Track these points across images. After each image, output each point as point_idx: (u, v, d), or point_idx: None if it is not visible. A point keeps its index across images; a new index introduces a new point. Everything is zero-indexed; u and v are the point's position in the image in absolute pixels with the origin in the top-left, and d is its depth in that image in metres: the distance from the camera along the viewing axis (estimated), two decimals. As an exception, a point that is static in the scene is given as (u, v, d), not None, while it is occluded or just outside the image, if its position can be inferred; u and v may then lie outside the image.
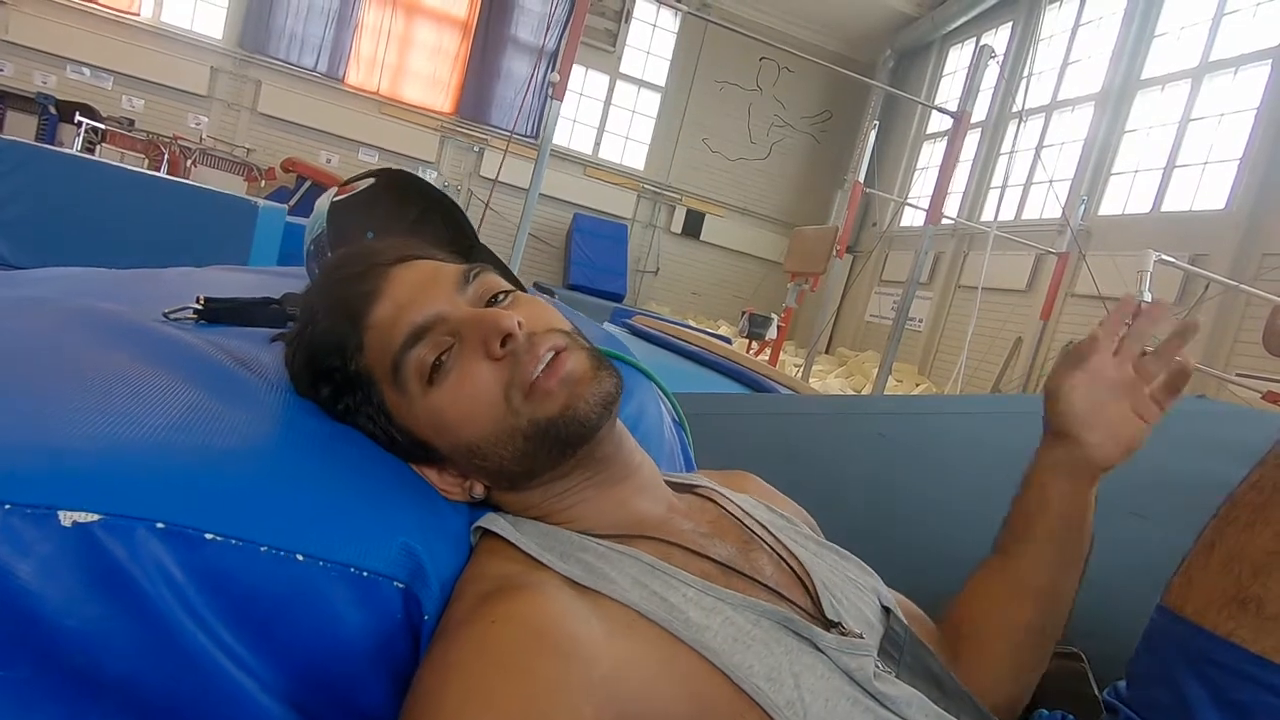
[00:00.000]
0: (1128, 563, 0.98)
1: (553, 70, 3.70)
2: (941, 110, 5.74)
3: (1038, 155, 6.87)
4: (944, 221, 5.79)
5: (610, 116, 9.87)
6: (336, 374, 0.51)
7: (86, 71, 8.18)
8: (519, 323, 0.49)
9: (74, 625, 0.35)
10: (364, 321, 0.50)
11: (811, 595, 0.53)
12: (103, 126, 7.16)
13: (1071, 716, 0.60)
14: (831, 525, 0.73)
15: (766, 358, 5.88)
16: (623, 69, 9.80)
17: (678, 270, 10.17)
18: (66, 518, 0.35)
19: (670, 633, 0.44)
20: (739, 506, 0.60)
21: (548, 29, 8.93)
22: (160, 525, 0.37)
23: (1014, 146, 7.61)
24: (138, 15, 8.26)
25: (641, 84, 9.90)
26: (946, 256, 8.12)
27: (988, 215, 7.58)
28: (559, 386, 0.49)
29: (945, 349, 7.86)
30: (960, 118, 4.56)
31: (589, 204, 9.61)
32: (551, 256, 9.51)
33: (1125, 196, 6.38)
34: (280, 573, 0.39)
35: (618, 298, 8.67)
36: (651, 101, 9.95)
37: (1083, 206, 6.38)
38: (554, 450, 0.50)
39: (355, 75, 8.85)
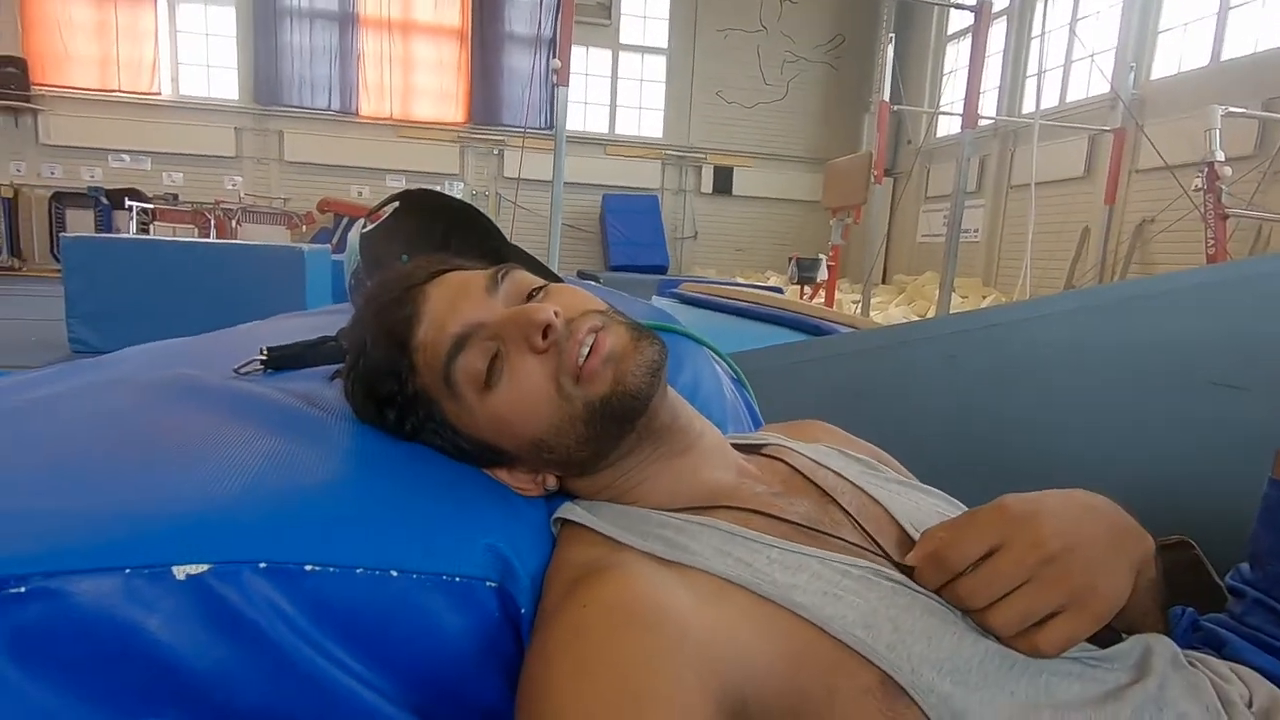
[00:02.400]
0: (1224, 440, 0.92)
1: (554, 57, 3.68)
2: (960, 6, 5.43)
3: (1073, 31, 6.42)
4: (982, 123, 5.51)
5: (620, 90, 9.76)
6: (396, 398, 0.53)
7: (126, 158, 8.62)
8: (555, 312, 0.49)
9: (206, 667, 0.38)
10: (410, 344, 0.52)
11: (902, 538, 0.52)
12: (151, 206, 7.56)
13: (1192, 609, 0.58)
14: (909, 461, 0.72)
15: (821, 301, 5.76)
16: (623, 39, 9.65)
17: (716, 230, 10.04)
18: (180, 572, 0.38)
19: (759, 595, 0.44)
20: (810, 460, 0.59)
21: (541, 17, 8.86)
22: (263, 565, 0.39)
23: (1044, 28, 7.13)
24: (159, 94, 8.63)
25: (644, 50, 9.73)
26: (992, 159, 7.74)
27: (1028, 107, 7.16)
28: (603, 365, 0.49)
29: (1007, 255, 7.52)
30: (981, 10, 4.31)
31: (615, 182, 9.56)
32: (588, 242, 9.53)
33: (1178, 53, 5.90)
34: (379, 591, 0.41)
35: (661, 269, 8.64)
36: (658, 66, 9.77)
37: (1132, 75, 5.94)
38: (613, 427, 0.50)
39: (367, 105, 9.02)
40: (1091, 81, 6.59)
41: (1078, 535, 0.45)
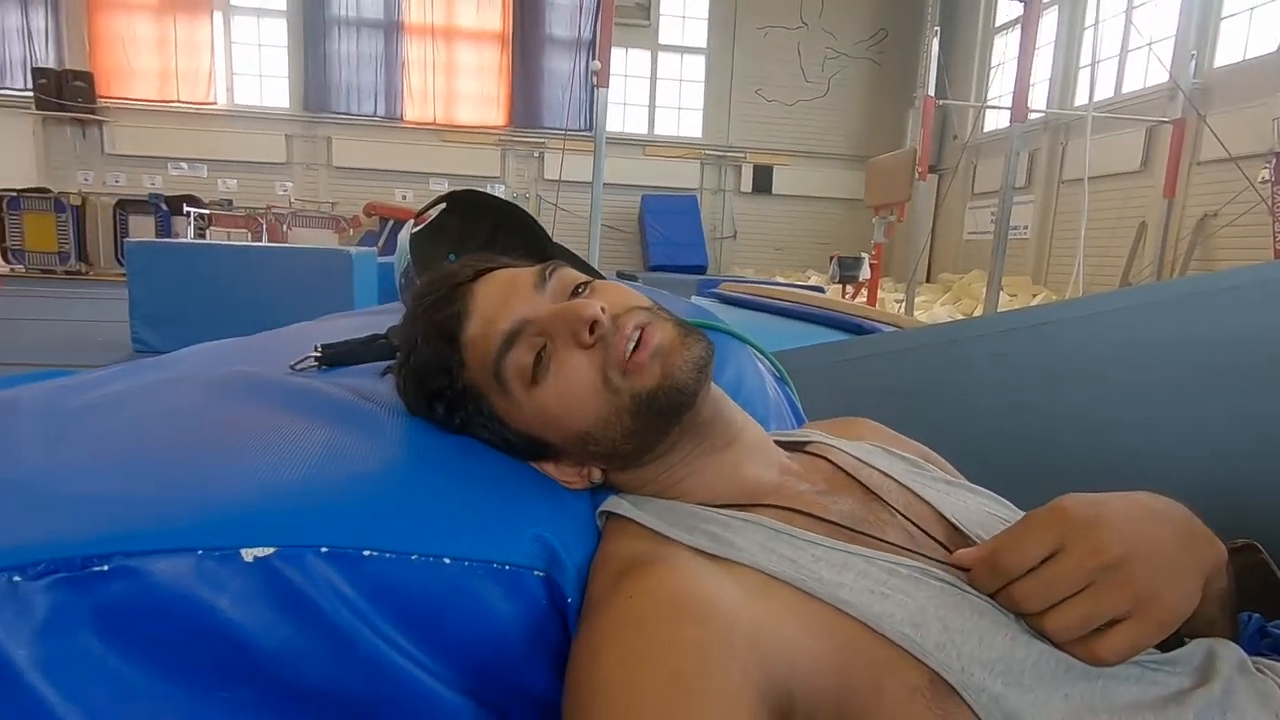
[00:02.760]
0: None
1: (593, 59, 3.70)
2: (1008, -3, 5.29)
3: (1129, 19, 6.20)
4: (1032, 116, 5.35)
5: (659, 90, 9.77)
6: (446, 392, 0.55)
7: (184, 166, 8.98)
8: (601, 308, 0.50)
9: (273, 646, 0.40)
10: (459, 340, 0.54)
11: (950, 536, 0.51)
12: (207, 212, 7.86)
13: (1259, 615, 0.56)
14: (957, 460, 0.71)
15: (863, 300, 5.68)
16: (661, 40, 9.66)
17: (755, 229, 9.98)
18: (248, 554, 0.40)
19: (805, 591, 0.44)
20: (855, 458, 0.59)
21: (580, 19, 8.93)
22: (324, 550, 0.41)
23: (1099, 16, 6.90)
24: (215, 104, 8.97)
25: (683, 50, 9.73)
26: (1042, 153, 7.51)
27: (1081, 99, 6.92)
28: (651, 360, 0.50)
29: (1059, 251, 7.29)
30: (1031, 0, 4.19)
31: (654, 183, 9.58)
32: (627, 243, 9.57)
33: (1244, 40, 5.65)
34: (433, 577, 0.43)
35: (700, 269, 8.62)
36: (697, 66, 9.76)
37: (1193, 63, 5.70)
38: (659, 421, 0.51)
39: (412, 111, 9.22)
40: (1149, 71, 6.34)
41: (1141, 541, 0.43)
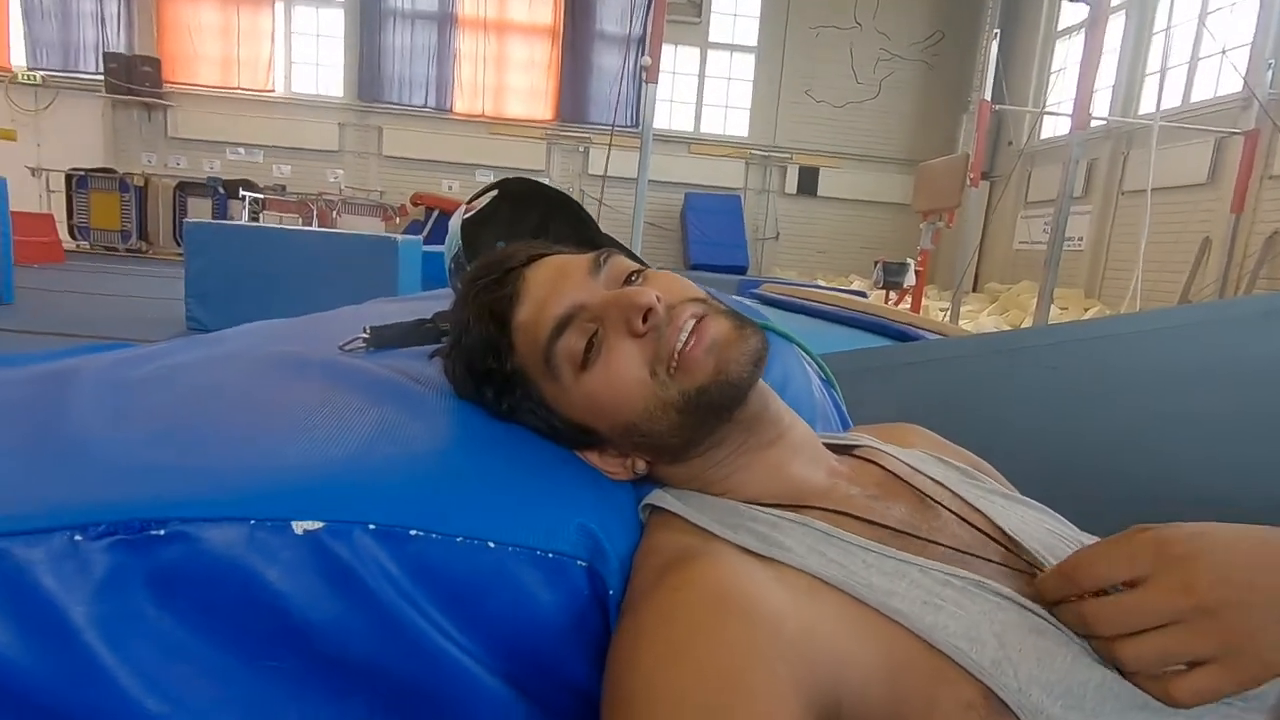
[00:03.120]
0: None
1: (643, 55, 3.70)
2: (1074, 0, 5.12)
3: (1203, 24, 5.94)
4: (1094, 124, 5.17)
5: (707, 88, 9.72)
6: (495, 375, 0.54)
7: (242, 151, 9.25)
8: (657, 297, 0.49)
9: (319, 618, 0.40)
10: (510, 324, 0.53)
11: (1007, 549, 0.49)
12: (261, 196, 8.09)
13: None
14: (1005, 472, 0.68)
15: (907, 306, 5.56)
16: (712, 37, 9.60)
17: (798, 231, 9.86)
18: (299, 527, 0.40)
19: (854, 597, 0.43)
20: (906, 465, 0.57)
21: (632, 16, 8.93)
22: (372, 526, 0.41)
23: (1170, 21, 6.63)
24: (273, 91, 9.21)
25: (733, 48, 9.66)
26: (1102, 162, 7.26)
27: (1146, 107, 6.67)
28: (706, 354, 0.49)
29: (1115, 265, 7.04)
30: (1098, 3, 4.04)
31: (698, 181, 9.54)
32: (669, 240, 9.55)
33: (1325, 49, 5.37)
34: (477, 560, 0.43)
35: (740, 270, 8.56)
36: (746, 64, 9.68)
37: (1270, 72, 5.44)
38: (708, 417, 0.50)
39: (461, 103, 9.34)
40: (1221, 80, 6.08)
41: (1243, 588, 0.38)
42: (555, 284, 0.53)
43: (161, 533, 0.39)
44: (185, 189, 8.70)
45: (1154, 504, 1.04)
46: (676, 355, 0.49)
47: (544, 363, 0.52)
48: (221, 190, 8.44)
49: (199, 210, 8.35)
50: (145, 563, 0.39)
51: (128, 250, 8.53)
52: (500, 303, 0.54)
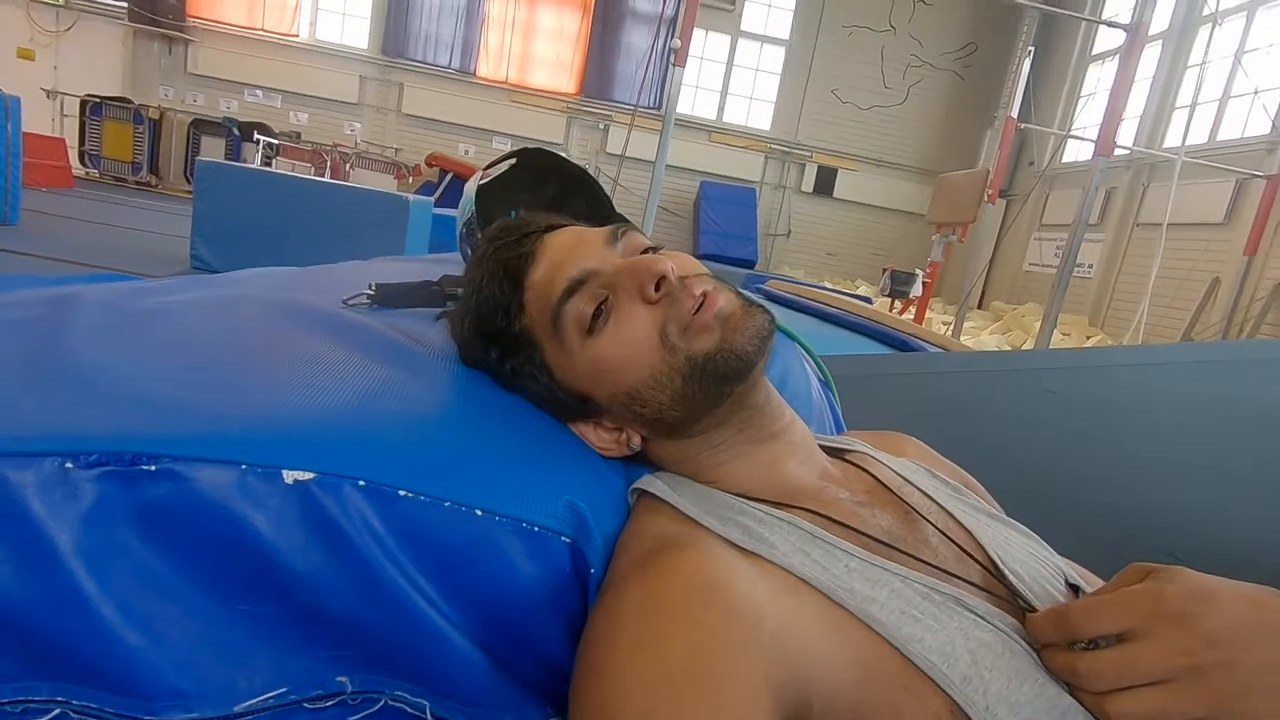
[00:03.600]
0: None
1: (673, 37, 3.66)
2: (1112, 24, 5.07)
3: (1237, 62, 5.89)
4: (1118, 153, 5.14)
5: (733, 78, 9.64)
6: (502, 336, 0.55)
7: (260, 94, 9.17)
8: (671, 267, 0.50)
9: (300, 569, 0.40)
10: (524, 283, 0.54)
11: (988, 569, 0.50)
12: (276, 142, 8.03)
13: None
14: (994, 492, 0.68)
15: (911, 317, 5.56)
16: (744, 26, 9.50)
17: (811, 231, 9.83)
18: (289, 476, 0.40)
19: (834, 600, 0.43)
20: (897, 474, 0.57)
21: (665, -5, 8.83)
22: (362, 483, 0.41)
23: (1205, 57, 6.57)
24: (297, 36, 9.11)
25: (764, 40, 9.56)
26: (1120, 192, 7.23)
27: (1173, 140, 6.63)
28: (715, 322, 0.50)
29: (1121, 296, 7.04)
30: (1136, 30, 4.00)
31: (715, 170, 9.48)
32: (680, 227, 9.51)
33: (1357, 101, 5.33)
34: (463, 526, 0.43)
35: (749, 264, 8.54)
36: (775, 57, 9.59)
37: (1299, 118, 5.41)
38: (712, 388, 0.50)
39: (485, 68, 9.25)
40: (1250, 121, 6.03)
41: (1243, 652, 0.38)
42: (572, 249, 0.54)
43: (153, 468, 0.39)
44: (200, 127, 8.62)
45: (1139, 538, 1.05)
46: (688, 322, 0.49)
47: (551, 323, 0.52)
48: (236, 132, 8.37)
49: (212, 150, 8.28)
50: (133, 496, 0.39)
51: (137, 183, 8.48)
52: (516, 261, 0.54)
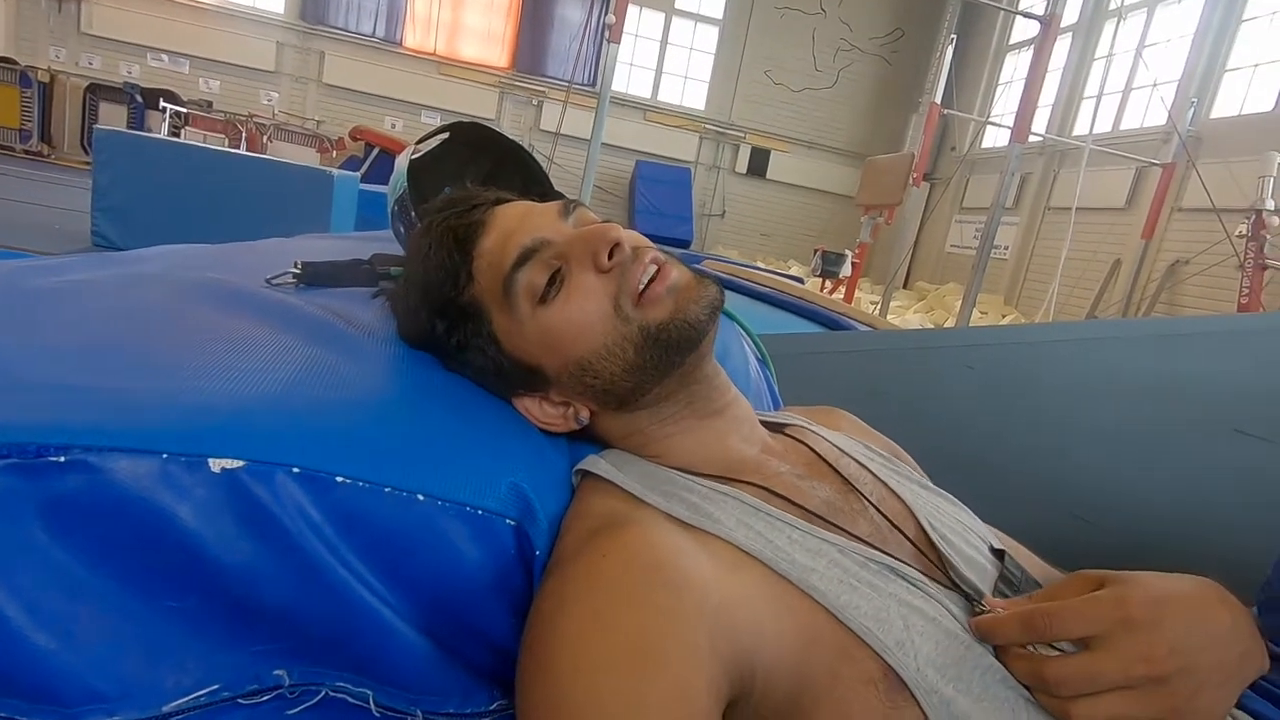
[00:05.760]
0: (1242, 488, 0.92)
1: (607, 12, 3.61)
2: (1028, 15, 5.29)
3: (1139, 56, 6.26)
4: (1031, 139, 5.40)
5: (668, 56, 9.59)
6: (450, 306, 0.53)
7: (165, 58, 8.55)
8: (625, 236, 0.51)
9: (231, 561, 0.39)
10: (473, 251, 0.53)
11: (919, 537, 0.52)
12: (185, 110, 7.52)
13: None
14: (920, 461, 0.72)
15: (841, 296, 5.72)
16: (679, 4, 9.45)
17: (745, 212, 9.94)
18: (216, 464, 0.38)
19: (775, 571, 0.44)
20: (834, 447, 0.59)
21: (599, -31, 8.68)
22: (296, 470, 0.40)
23: (1111, 50, 6.95)
24: (205, -3, 8.52)
25: (698, 18, 9.54)
26: (1034, 177, 7.60)
27: (1081, 129, 7.01)
28: (667, 293, 0.50)
29: (1034, 277, 7.43)
30: (1049, 22, 4.20)
31: (650, 149, 9.45)
32: (616, 206, 9.45)
33: (1242, 96, 5.76)
34: (404, 512, 0.42)
35: (684, 244, 8.58)
36: (709, 36, 9.59)
37: (1192, 110, 5.80)
38: (664, 357, 0.51)
39: (413, 38, 8.89)
40: (1149, 112, 6.43)
41: (1199, 661, 0.41)
42: (524, 219, 0.53)
43: (61, 459, 0.36)
44: (97, 92, 7.98)
45: (1050, 502, 1.12)
46: (640, 291, 0.50)
47: (502, 292, 0.51)
48: (139, 99, 7.79)
49: (112, 117, 7.68)
50: (40, 491, 0.36)
51: (25, 152, 7.80)
52: (466, 229, 0.53)
